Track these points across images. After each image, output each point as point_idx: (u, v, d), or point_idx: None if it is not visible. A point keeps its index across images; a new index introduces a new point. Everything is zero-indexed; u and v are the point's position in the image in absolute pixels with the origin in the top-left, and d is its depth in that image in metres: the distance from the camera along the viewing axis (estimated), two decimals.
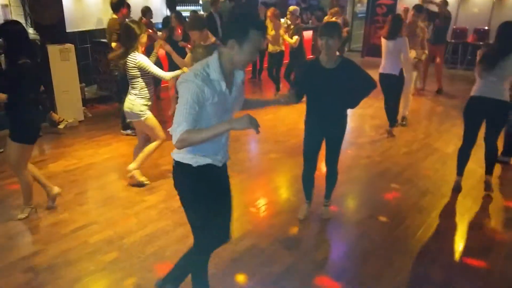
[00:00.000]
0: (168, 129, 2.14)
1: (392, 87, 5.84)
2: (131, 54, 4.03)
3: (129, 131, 5.93)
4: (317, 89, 3.34)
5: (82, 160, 5.10)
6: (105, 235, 3.53)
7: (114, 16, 5.94)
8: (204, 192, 2.31)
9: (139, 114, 4.12)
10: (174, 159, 2.29)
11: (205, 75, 2.07)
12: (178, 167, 2.29)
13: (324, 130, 3.51)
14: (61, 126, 6.00)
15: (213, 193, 2.34)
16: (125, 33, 4.09)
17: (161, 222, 3.74)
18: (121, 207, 3.99)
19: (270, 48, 7.88)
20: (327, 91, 3.30)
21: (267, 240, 3.48)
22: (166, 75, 4.18)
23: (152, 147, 4.33)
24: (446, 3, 8.61)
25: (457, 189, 4.39)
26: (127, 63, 4.04)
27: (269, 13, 7.67)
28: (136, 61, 4.00)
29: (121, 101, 5.81)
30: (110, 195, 4.24)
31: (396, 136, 6.10)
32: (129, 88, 4.17)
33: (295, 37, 7.40)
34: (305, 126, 3.60)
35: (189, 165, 2.24)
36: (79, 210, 3.95)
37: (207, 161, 2.25)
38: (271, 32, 7.51)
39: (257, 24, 2.08)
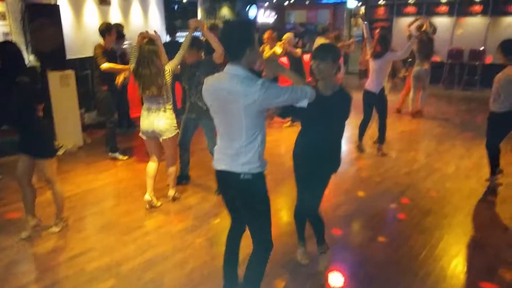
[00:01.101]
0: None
1: (374, 104, 6.05)
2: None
3: (117, 154, 5.99)
4: (308, 116, 2.94)
5: (81, 186, 5.07)
6: (103, 262, 3.46)
7: (101, 42, 5.96)
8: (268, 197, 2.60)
9: (175, 128, 4.30)
10: (248, 173, 2.45)
11: (255, 80, 2.32)
12: (256, 178, 2.48)
13: (308, 162, 3.11)
14: (60, 152, 5.99)
15: None
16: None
17: (160, 247, 3.68)
18: (119, 233, 3.93)
19: None
20: (318, 120, 2.93)
21: (268, 265, 3.41)
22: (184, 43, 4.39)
23: (174, 169, 4.55)
24: (420, 28, 8.42)
25: None
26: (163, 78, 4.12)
27: (266, 36, 7.73)
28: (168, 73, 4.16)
29: (111, 121, 5.98)
30: (108, 221, 4.19)
31: (395, 156, 6.09)
32: (151, 105, 4.18)
33: (298, 49, 7.65)
34: (292, 155, 3.25)
35: (262, 172, 2.51)
36: (77, 237, 3.90)
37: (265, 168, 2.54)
38: (266, 54, 7.55)
39: (252, 27, 2.46)
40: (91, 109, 7.59)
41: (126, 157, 6.00)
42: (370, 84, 6.01)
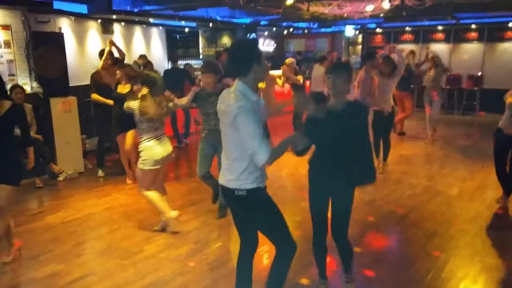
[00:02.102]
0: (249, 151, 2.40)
1: (385, 122, 6.14)
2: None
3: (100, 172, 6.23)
4: (323, 134, 2.90)
5: (81, 211, 5.01)
6: (102, 286, 3.38)
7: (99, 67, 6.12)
8: (275, 206, 2.61)
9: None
10: (241, 189, 2.48)
11: (247, 98, 2.38)
12: (251, 193, 2.49)
13: (329, 187, 3.00)
14: (60, 178, 5.97)
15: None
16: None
17: (160, 272, 3.60)
18: (119, 258, 3.85)
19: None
20: (332, 137, 2.87)
21: None
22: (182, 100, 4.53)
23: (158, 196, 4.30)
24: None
25: None
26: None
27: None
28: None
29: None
30: (108, 246, 4.12)
31: (398, 178, 6.06)
32: (159, 132, 4.16)
33: (299, 76, 7.82)
34: (308, 180, 3.09)
35: (258, 188, 2.51)
36: (76, 261, 3.82)
37: (264, 180, 2.57)
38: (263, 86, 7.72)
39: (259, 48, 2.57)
40: (93, 135, 7.61)
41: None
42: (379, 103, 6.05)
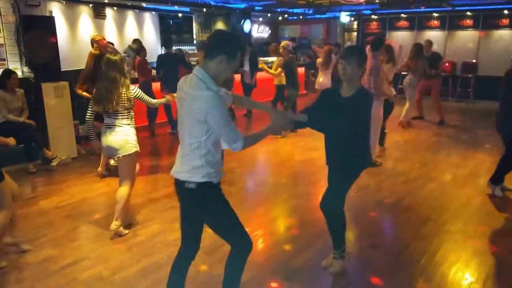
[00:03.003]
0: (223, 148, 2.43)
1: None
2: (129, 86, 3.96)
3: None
4: (327, 120, 2.98)
5: (75, 196, 4.99)
6: (96, 271, 3.38)
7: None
8: (227, 202, 2.47)
9: (135, 145, 3.95)
10: (191, 182, 2.37)
11: (206, 87, 2.24)
12: (201, 187, 2.37)
13: (334, 162, 3.17)
14: (54, 163, 5.91)
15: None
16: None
17: (155, 256, 3.60)
18: (113, 242, 3.85)
19: (276, 81, 8.20)
20: (337, 122, 2.90)
21: (266, 273, 3.35)
22: (155, 102, 4.24)
23: (126, 193, 3.99)
24: (430, 43, 9.07)
25: None
26: (122, 94, 3.94)
27: (271, 49, 8.47)
28: (134, 92, 3.97)
29: None
30: (102, 231, 4.10)
31: (393, 165, 6.09)
32: (115, 121, 3.89)
33: (279, 69, 7.82)
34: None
35: (209, 182, 2.38)
36: (70, 246, 3.81)
37: (218, 177, 2.44)
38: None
39: (243, 48, 2.40)
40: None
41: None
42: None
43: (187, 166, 2.37)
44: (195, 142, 2.32)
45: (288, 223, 4.33)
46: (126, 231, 4.03)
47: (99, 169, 5.64)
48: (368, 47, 5.55)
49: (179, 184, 2.43)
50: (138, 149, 4.00)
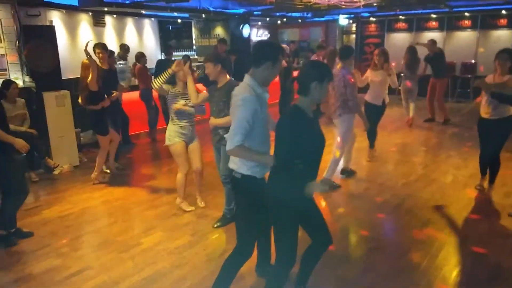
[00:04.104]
0: (225, 135, 2.68)
1: (374, 115, 6.09)
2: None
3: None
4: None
5: (77, 205, 5.02)
6: (100, 280, 3.40)
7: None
8: (262, 203, 2.62)
9: (168, 138, 4.55)
10: (237, 172, 2.69)
11: (253, 90, 2.56)
12: (244, 179, 2.68)
13: None
14: (56, 171, 5.95)
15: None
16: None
17: (158, 264, 3.62)
18: (116, 251, 3.87)
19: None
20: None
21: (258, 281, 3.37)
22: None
23: (178, 178, 4.68)
24: (434, 42, 9.12)
25: None
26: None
27: None
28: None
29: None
30: (105, 239, 4.13)
31: (394, 168, 6.11)
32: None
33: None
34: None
35: (251, 176, 2.67)
36: (73, 255, 3.84)
37: (262, 173, 2.71)
38: None
39: (283, 51, 2.74)
40: (87, 128, 7.58)
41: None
42: (372, 97, 6.13)
43: (236, 158, 2.69)
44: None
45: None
46: (189, 208, 4.72)
47: (93, 175, 5.70)
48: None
49: (230, 173, 2.82)
50: (169, 143, 4.54)
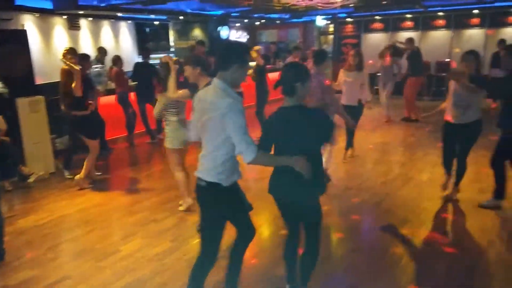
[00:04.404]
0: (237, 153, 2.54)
1: (352, 115, 6.00)
2: None
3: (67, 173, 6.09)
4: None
5: (54, 213, 4.91)
6: None
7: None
8: (239, 198, 2.79)
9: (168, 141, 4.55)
10: (203, 180, 2.62)
11: (229, 94, 2.47)
12: (210, 187, 2.61)
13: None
14: (31, 179, 5.80)
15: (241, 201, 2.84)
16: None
17: (138, 272, 3.58)
18: (95, 259, 3.81)
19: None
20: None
21: (250, 281, 3.37)
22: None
23: (177, 179, 4.69)
24: (412, 40, 9.37)
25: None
26: None
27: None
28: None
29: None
30: (83, 248, 4.06)
31: (372, 167, 6.19)
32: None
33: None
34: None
35: (219, 184, 2.60)
36: (51, 265, 3.75)
37: (234, 179, 2.68)
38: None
39: (249, 50, 2.65)
40: (63, 134, 7.43)
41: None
42: (346, 98, 6.15)
43: (205, 165, 2.63)
44: (217, 145, 2.54)
45: (270, 230, 4.36)
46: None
47: (77, 176, 5.61)
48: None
49: (197, 180, 2.70)
50: (167, 145, 4.53)
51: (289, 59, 9.29)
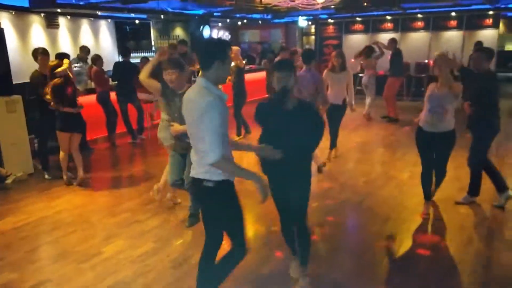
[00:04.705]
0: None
1: (337, 115, 6.23)
2: None
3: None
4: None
5: (33, 214, 4.80)
6: None
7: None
8: (239, 203, 2.70)
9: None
10: (209, 180, 2.54)
11: (211, 92, 2.43)
12: (218, 185, 2.55)
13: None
14: (8, 180, 5.65)
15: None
16: None
17: (120, 273, 3.52)
18: (76, 262, 3.73)
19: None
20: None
21: (235, 280, 3.36)
22: None
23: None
24: (394, 41, 9.63)
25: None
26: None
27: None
28: None
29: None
30: (63, 250, 3.97)
31: (354, 167, 6.26)
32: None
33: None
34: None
35: (226, 180, 2.56)
36: (31, 268, 3.66)
37: (232, 177, 2.62)
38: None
39: (229, 45, 2.61)
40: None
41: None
42: (333, 97, 6.15)
43: (204, 165, 2.51)
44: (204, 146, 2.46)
45: (257, 229, 4.36)
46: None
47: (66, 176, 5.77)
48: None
49: (197, 183, 2.61)
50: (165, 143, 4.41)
51: (277, 59, 9.36)
